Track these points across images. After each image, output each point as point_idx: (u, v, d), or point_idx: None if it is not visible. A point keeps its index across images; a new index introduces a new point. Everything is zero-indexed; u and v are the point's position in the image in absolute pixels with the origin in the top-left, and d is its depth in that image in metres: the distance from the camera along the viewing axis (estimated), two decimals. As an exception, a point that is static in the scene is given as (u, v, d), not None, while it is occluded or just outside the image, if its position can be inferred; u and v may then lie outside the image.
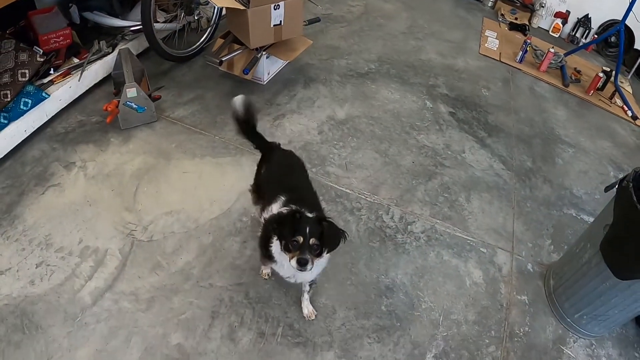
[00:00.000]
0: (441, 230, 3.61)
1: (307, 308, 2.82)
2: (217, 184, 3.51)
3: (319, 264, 2.38)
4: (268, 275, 2.96)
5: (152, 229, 3.13)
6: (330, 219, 2.27)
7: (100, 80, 4.08)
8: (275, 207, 2.47)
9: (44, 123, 3.61)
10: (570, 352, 3.07)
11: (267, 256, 2.44)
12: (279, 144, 3.00)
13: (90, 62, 3.96)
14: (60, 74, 3.79)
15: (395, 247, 3.40)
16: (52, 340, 2.52)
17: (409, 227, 3.57)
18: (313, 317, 2.82)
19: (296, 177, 2.78)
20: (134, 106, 3.69)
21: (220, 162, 3.68)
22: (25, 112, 3.43)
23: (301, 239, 2.13)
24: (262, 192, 2.84)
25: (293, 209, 2.26)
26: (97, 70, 4.03)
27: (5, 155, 3.33)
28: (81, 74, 3.84)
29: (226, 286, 2.92)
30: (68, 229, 3.03)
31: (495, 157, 4.45)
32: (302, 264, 2.11)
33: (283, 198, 2.48)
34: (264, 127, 4.04)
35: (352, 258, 3.23)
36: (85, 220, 3.10)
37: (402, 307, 3.06)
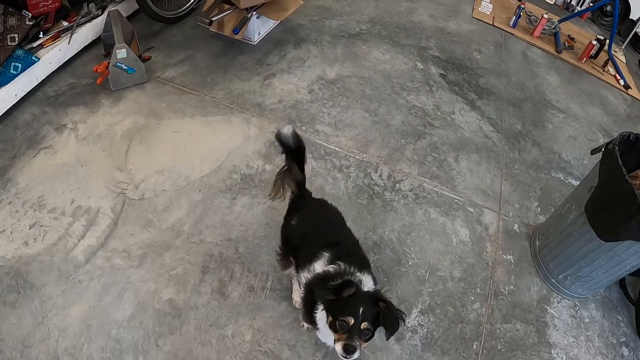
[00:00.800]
0: (429, 189, 3.61)
1: None
2: (207, 142, 3.49)
3: None
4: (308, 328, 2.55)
5: (143, 187, 3.13)
6: (388, 299, 1.90)
7: (90, 43, 4.01)
8: (319, 266, 2.10)
9: (35, 87, 3.57)
10: (554, 312, 3.09)
11: (310, 322, 2.17)
12: (311, 193, 2.65)
13: (79, 25, 3.88)
14: (50, 38, 3.72)
15: (383, 204, 3.40)
16: (46, 299, 2.54)
17: (397, 185, 3.56)
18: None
19: (337, 228, 2.44)
20: (124, 67, 3.64)
21: (211, 121, 3.64)
22: (15, 76, 3.38)
23: (352, 321, 1.80)
24: (294, 248, 2.41)
25: (343, 272, 1.97)
26: (86, 33, 3.96)
27: (-4, 121, 3.30)
28: (70, 36, 3.77)
29: (216, 242, 2.93)
30: (60, 190, 3.03)
31: (485, 119, 4.42)
32: (348, 352, 1.80)
33: (327, 254, 2.12)
34: (254, 87, 4.00)
35: (340, 213, 3.24)
36: (77, 181, 3.09)
37: (389, 263, 3.08)
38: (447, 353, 2.75)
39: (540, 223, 3.54)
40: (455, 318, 2.91)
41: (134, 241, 2.86)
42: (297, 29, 4.80)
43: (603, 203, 2.80)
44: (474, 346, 2.81)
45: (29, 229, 2.81)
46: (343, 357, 1.82)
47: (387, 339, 1.95)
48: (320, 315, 2.00)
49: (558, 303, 3.15)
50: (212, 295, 2.70)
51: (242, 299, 2.71)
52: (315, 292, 1.95)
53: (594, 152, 3.01)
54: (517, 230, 3.51)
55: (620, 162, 2.67)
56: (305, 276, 2.15)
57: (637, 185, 2.67)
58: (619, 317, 3.19)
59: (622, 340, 3.07)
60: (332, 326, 1.87)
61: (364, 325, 1.81)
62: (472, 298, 3.03)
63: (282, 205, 3.10)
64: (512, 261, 3.31)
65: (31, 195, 2.97)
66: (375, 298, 1.88)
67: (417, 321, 2.84)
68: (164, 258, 2.81)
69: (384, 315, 1.85)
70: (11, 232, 2.78)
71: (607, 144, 2.85)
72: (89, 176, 3.13)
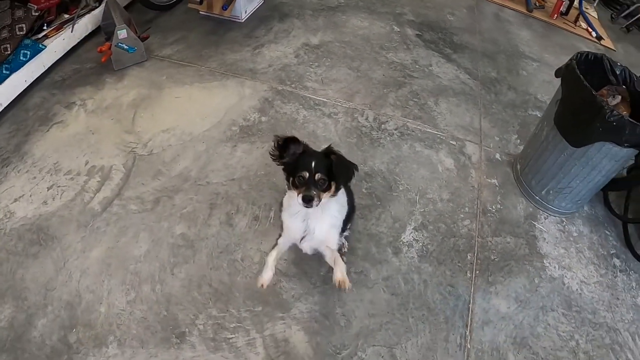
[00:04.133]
0: (412, 127, 3.61)
1: (341, 273, 2.06)
2: (206, 103, 3.49)
3: (335, 220, 2.06)
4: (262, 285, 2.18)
5: (151, 144, 3.14)
6: (338, 152, 1.93)
7: (90, 33, 4.01)
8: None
9: (42, 73, 3.56)
10: (542, 227, 3.09)
11: (280, 204, 2.16)
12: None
13: (80, 16, 3.91)
14: (54, 29, 3.74)
15: (371, 141, 3.41)
16: (67, 247, 2.54)
17: (382, 125, 3.56)
18: (347, 288, 2.03)
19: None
20: (125, 47, 3.67)
21: (208, 86, 3.65)
22: (24, 63, 3.39)
23: (307, 174, 1.85)
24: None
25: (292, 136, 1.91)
26: (86, 24, 3.98)
27: (8, 105, 3.29)
28: (73, 26, 3.79)
29: (221, 182, 2.94)
30: (74, 155, 3.03)
31: (461, 69, 4.42)
32: (306, 201, 1.82)
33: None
34: (245, 56, 4.01)
35: (332, 152, 3.26)
36: (90, 146, 3.10)
37: (380, 189, 3.08)
38: (443, 263, 2.75)
39: (520, 152, 3.54)
40: (447, 233, 2.91)
41: (146, 189, 2.87)
42: (280, 7, 4.81)
43: (569, 112, 2.82)
44: (468, 257, 2.81)
45: (47, 190, 2.81)
46: (304, 206, 1.85)
47: (338, 186, 1.95)
48: (286, 199, 2.07)
49: (545, 219, 3.15)
50: (220, 226, 2.71)
51: (249, 228, 2.72)
52: (275, 161, 1.95)
53: (557, 73, 3.04)
54: (499, 159, 3.51)
55: (578, 71, 2.70)
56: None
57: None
58: (607, 232, 3.18)
59: (612, 252, 3.06)
60: (294, 186, 1.91)
61: (317, 176, 1.85)
62: (462, 216, 3.03)
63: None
64: (497, 184, 3.31)
65: (47, 162, 2.97)
66: (327, 152, 1.91)
67: (412, 237, 2.85)
68: (174, 200, 2.82)
69: (335, 165, 1.87)
70: (30, 196, 2.77)
71: (567, 64, 2.88)
72: (100, 141, 3.14)
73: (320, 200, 1.87)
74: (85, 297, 2.35)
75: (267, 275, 2.08)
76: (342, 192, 2.05)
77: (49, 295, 2.35)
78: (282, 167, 1.97)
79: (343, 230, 2.23)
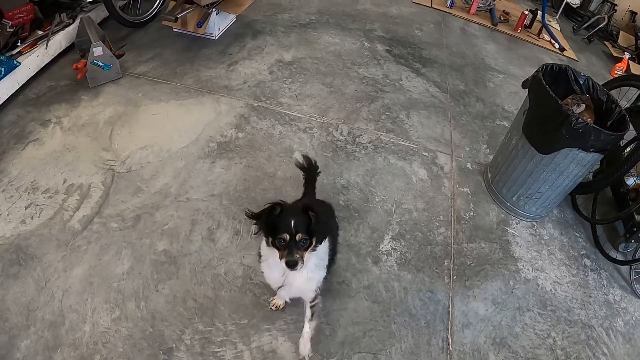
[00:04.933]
0: (386, 140, 3.67)
1: (303, 345, 2.19)
2: (183, 120, 3.47)
3: (313, 274, 2.02)
4: (277, 307, 2.45)
5: (130, 162, 3.09)
6: (316, 208, 1.84)
7: (64, 50, 3.94)
8: None
9: (16, 90, 3.47)
10: (514, 232, 3.19)
11: (259, 256, 2.10)
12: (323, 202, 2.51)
13: (54, 33, 3.84)
14: (28, 45, 3.66)
15: (347, 155, 3.45)
16: (47, 266, 2.48)
17: (356, 139, 3.61)
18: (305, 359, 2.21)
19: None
20: (101, 64, 3.62)
21: (184, 103, 3.63)
22: (-1, 79, 3.35)
23: (287, 237, 1.76)
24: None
25: (273, 202, 1.85)
26: (60, 41, 3.91)
27: (-18, 123, 3.19)
28: (47, 42, 3.72)
29: (201, 198, 2.92)
30: (52, 173, 2.96)
31: (430, 83, 4.53)
32: (291, 266, 1.77)
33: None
34: (220, 73, 4.01)
35: (309, 166, 3.28)
36: (67, 164, 3.03)
37: (357, 201, 3.11)
38: (422, 270, 2.80)
39: (490, 161, 3.63)
40: (424, 241, 2.97)
41: (126, 206, 2.82)
42: (252, 24, 4.83)
43: (537, 122, 2.92)
44: (445, 263, 2.87)
45: (25, 209, 2.74)
46: (289, 270, 1.80)
47: (316, 245, 1.87)
48: (264, 249, 1.98)
49: (517, 224, 3.24)
50: (202, 242, 2.69)
51: (231, 242, 2.71)
52: (257, 225, 1.88)
53: (524, 84, 3.15)
54: (470, 168, 3.60)
55: (544, 82, 2.82)
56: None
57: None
58: (577, 234, 3.30)
59: (582, 252, 3.18)
60: (273, 245, 1.84)
61: (299, 237, 1.77)
62: (437, 224, 3.09)
63: (257, 163, 3.15)
64: (469, 192, 3.39)
65: (24, 181, 2.89)
66: (305, 208, 1.82)
67: (390, 246, 2.89)
68: (155, 217, 2.78)
69: (314, 224, 1.80)
70: (8, 215, 2.69)
71: (534, 75, 3.00)
72: (77, 159, 3.07)
73: (303, 261, 1.80)
74: (68, 316, 2.29)
75: (280, 301, 2.39)
76: (323, 244, 1.97)
77: (31, 315, 2.28)
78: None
79: (327, 271, 2.17)
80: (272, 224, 1.82)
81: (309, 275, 1.99)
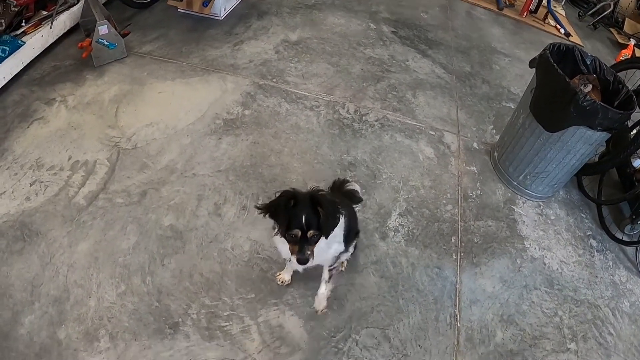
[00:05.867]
0: (392, 118, 3.59)
1: (318, 302, 2.24)
2: (189, 98, 3.39)
3: (328, 247, 1.96)
4: (283, 282, 2.40)
5: (135, 138, 3.02)
6: (324, 201, 1.77)
7: (68, 30, 3.85)
8: None
9: (21, 70, 3.39)
10: (521, 211, 3.11)
11: (273, 228, 1.99)
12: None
13: (58, 13, 3.76)
14: (32, 25, 3.57)
15: (353, 132, 3.37)
16: (52, 242, 2.42)
17: (363, 117, 3.53)
18: (320, 312, 2.27)
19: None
20: (106, 43, 3.53)
21: (190, 81, 3.54)
22: (3, 59, 3.22)
23: (299, 233, 1.74)
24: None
25: (287, 190, 1.81)
26: (65, 21, 3.82)
27: (-14, 103, 3.11)
28: (51, 22, 3.65)
29: (207, 174, 2.85)
30: (57, 150, 2.89)
31: (437, 64, 4.43)
32: (302, 263, 1.78)
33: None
34: (226, 52, 3.92)
35: (316, 143, 3.18)
36: (72, 141, 2.96)
37: (365, 178, 3.04)
38: (429, 246, 2.73)
39: (496, 141, 3.55)
40: (431, 218, 2.90)
41: (132, 182, 2.75)
42: (258, 4, 4.72)
43: (544, 99, 2.84)
44: (452, 240, 2.80)
45: (30, 186, 2.67)
46: (300, 266, 1.84)
47: (326, 237, 1.82)
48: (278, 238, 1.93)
49: (523, 204, 3.17)
50: (209, 217, 2.62)
51: (237, 217, 2.65)
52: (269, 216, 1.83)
53: (531, 63, 3.07)
54: (477, 147, 3.52)
55: (552, 60, 2.73)
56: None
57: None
58: (583, 215, 3.22)
59: (588, 233, 3.10)
60: (285, 237, 1.82)
61: (310, 233, 1.75)
62: (444, 201, 3.02)
63: (264, 140, 3.08)
64: (476, 171, 3.31)
65: (28, 159, 2.82)
66: (314, 202, 1.75)
67: (398, 222, 2.82)
68: (161, 192, 2.71)
69: (323, 219, 1.76)
70: (12, 192, 2.63)
71: (541, 54, 2.91)
72: (82, 136, 3.00)
73: (313, 255, 1.79)
74: (73, 291, 2.24)
75: (287, 276, 2.35)
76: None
77: (35, 291, 2.22)
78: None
79: (346, 250, 2.13)
80: (284, 215, 1.76)
81: (323, 247, 1.90)
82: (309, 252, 1.77)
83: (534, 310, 2.57)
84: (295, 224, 1.73)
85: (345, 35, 4.49)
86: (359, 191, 2.48)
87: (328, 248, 1.96)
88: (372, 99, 3.73)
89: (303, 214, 1.72)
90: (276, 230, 1.91)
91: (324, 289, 2.17)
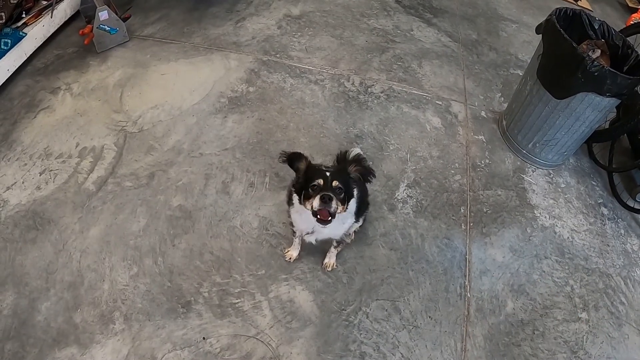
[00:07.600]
0: (398, 89, 3.51)
1: (329, 258, 2.31)
2: (193, 78, 3.35)
3: (343, 220, 1.90)
4: (291, 259, 2.37)
5: (141, 121, 3.00)
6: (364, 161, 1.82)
7: (69, 18, 3.81)
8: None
9: (24, 61, 3.36)
10: (530, 179, 3.05)
11: (288, 202, 1.99)
12: None
13: (58, 2, 3.71)
14: (32, 16, 3.54)
15: (359, 105, 3.31)
16: (64, 228, 2.43)
17: (369, 89, 3.46)
18: (330, 269, 2.33)
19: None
20: (107, 28, 3.49)
21: (194, 61, 3.50)
22: (6, 52, 3.20)
23: (322, 182, 1.66)
24: None
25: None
26: (65, 9, 3.77)
27: (-9, 96, 3.11)
28: (52, 12, 3.60)
29: (214, 152, 2.83)
30: (64, 138, 2.89)
31: (442, 33, 4.30)
32: (325, 217, 1.66)
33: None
34: (228, 30, 3.85)
35: (321, 117, 3.14)
36: (79, 128, 2.96)
37: (372, 150, 3.00)
38: (438, 217, 2.70)
39: (504, 109, 3.46)
40: (440, 188, 2.85)
41: (140, 165, 2.75)
42: (259, -19, 4.63)
43: (551, 66, 2.76)
44: (462, 210, 2.76)
45: (40, 175, 2.68)
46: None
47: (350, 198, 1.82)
48: (296, 201, 1.88)
49: (533, 172, 3.10)
50: (217, 195, 2.62)
51: (245, 195, 2.63)
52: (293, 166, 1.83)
53: (538, 29, 2.96)
54: (485, 116, 3.43)
55: (558, 26, 2.63)
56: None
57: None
58: (593, 183, 3.15)
59: (599, 201, 3.03)
60: (306, 198, 1.73)
61: (335, 183, 1.68)
62: (452, 171, 2.97)
63: (269, 116, 3.04)
64: (484, 140, 3.24)
65: (37, 148, 2.82)
66: (343, 168, 1.77)
67: (406, 193, 2.78)
68: (169, 173, 2.71)
69: (361, 173, 1.80)
70: (23, 182, 2.64)
71: (547, 19, 2.80)
72: (89, 122, 2.99)
73: (338, 207, 1.68)
74: (87, 276, 2.26)
75: (295, 252, 2.33)
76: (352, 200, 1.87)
77: (50, 278, 2.25)
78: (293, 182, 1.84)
79: (356, 221, 2.13)
80: (306, 161, 1.76)
81: (338, 222, 1.86)
82: (334, 206, 1.65)
83: (544, 279, 2.53)
84: (317, 176, 1.70)
85: (348, 6, 4.38)
86: (361, 153, 2.38)
87: (342, 223, 1.94)
88: (377, 70, 3.65)
89: (327, 170, 1.73)
90: (291, 200, 1.88)
91: (333, 250, 2.25)
